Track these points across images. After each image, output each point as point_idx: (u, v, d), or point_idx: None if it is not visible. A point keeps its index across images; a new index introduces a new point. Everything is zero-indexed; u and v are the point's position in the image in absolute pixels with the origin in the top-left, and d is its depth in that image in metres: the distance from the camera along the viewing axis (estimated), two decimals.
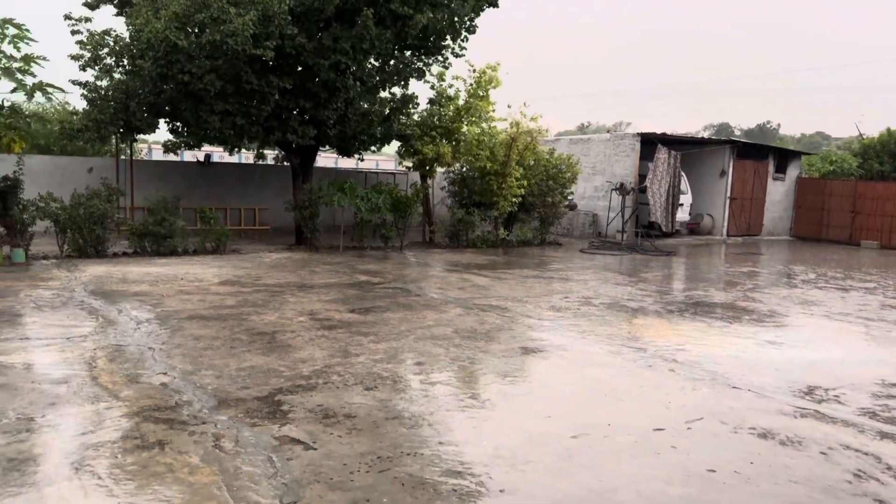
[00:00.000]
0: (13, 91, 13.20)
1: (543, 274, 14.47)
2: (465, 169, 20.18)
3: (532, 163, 20.43)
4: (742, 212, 26.43)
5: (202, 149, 19.79)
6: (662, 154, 21.90)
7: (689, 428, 5.44)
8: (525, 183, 19.72)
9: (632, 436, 5.21)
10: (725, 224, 25.85)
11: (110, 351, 7.08)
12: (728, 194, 25.77)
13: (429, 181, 20.65)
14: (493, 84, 19.60)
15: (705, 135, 75.50)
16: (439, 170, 21.16)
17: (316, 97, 17.24)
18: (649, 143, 23.07)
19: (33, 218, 13.90)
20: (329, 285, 11.88)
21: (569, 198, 21.49)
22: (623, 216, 21.93)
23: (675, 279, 15.15)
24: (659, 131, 23.61)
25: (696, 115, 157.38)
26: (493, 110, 20.05)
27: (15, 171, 14.01)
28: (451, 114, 19.84)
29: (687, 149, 24.59)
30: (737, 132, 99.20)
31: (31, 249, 13.88)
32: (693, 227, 25.80)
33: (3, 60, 13.10)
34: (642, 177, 22.67)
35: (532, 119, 19.94)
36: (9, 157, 14.38)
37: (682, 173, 23.37)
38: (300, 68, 17.12)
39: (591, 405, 5.98)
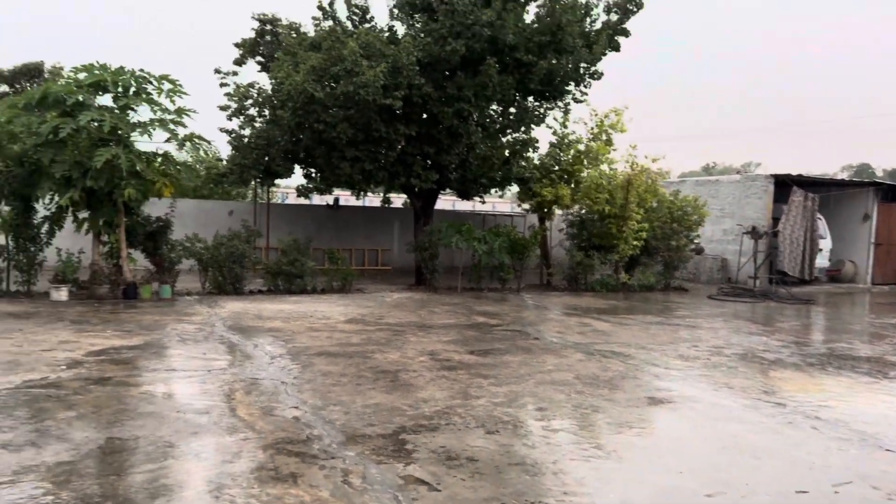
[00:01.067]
0: (166, 141, 14.46)
1: (669, 320, 13.96)
2: (583, 211, 19.97)
3: (654, 205, 19.93)
4: (889, 258, 24.42)
5: (332, 193, 20.81)
6: (798, 196, 20.72)
7: (836, 492, 5.02)
8: (647, 226, 19.24)
9: (772, 497, 4.87)
10: (870, 271, 23.97)
11: (247, 384, 7.48)
12: (872, 239, 23.93)
13: (547, 223, 20.60)
14: (617, 128, 19.45)
15: (844, 176, 70.78)
16: (558, 212, 21.06)
17: (439, 143, 17.76)
18: (783, 185, 21.92)
19: (180, 257, 15.09)
20: (448, 326, 12.01)
21: (695, 241, 20.71)
22: (755, 261, 20.83)
23: (815, 329, 14.15)
24: (794, 172, 22.41)
25: (831, 155, 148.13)
26: (613, 150, 19.84)
27: (166, 214, 15.28)
28: (570, 157, 19.81)
29: (825, 191, 23.15)
30: (878, 173, 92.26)
31: (177, 286, 15.03)
32: (833, 274, 24.10)
33: (159, 113, 14.38)
34: (776, 220, 21.52)
35: (653, 160, 19.57)
36: (160, 202, 15.71)
37: (821, 217, 21.99)
38: (425, 116, 17.73)
39: (726, 462, 5.66)
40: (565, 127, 19.82)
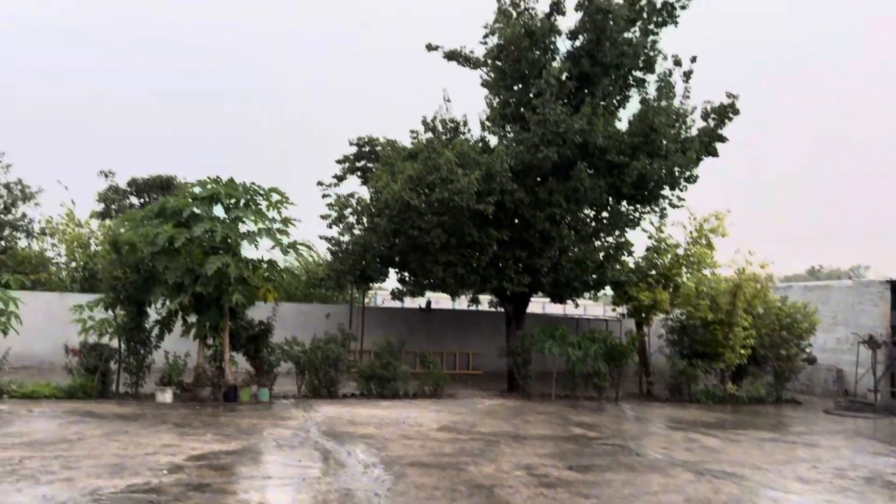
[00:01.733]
0: (272, 248, 15.14)
1: (784, 437, 12.94)
2: (684, 317, 19.23)
3: (762, 311, 18.98)
4: None
5: (424, 295, 21.04)
6: None
7: None
8: (754, 333, 18.27)
9: None
10: None
11: (340, 494, 7.36)
12: None
13: (645, 329, 19.93)
14: (718, 232, 18.97)
15: None
16: (656, 317, 20.37)
17: (531, 246, 17.82)
18: None
19: (279, 360, 15.46)
20: (544, 437, 11.57)
21: (807, 350, 19.45)
22: (875, 373, 19.26)
23: None
24: None
25: None
26: (715, 255, 19.24)
27: (268, 318, 15.81)
28: (667, 261, 19.35)
29: None
30: None
31: (274, 388, 15.31)
32: None
33: (267, 223, 15.15)
34: (895, 328, 19.99)
35: (760, 265, 18.80)
36: (264, 306, 16.30)
37: None
38: (517, 220, 17.92)
39: None
40: (661, 231, 19.52)
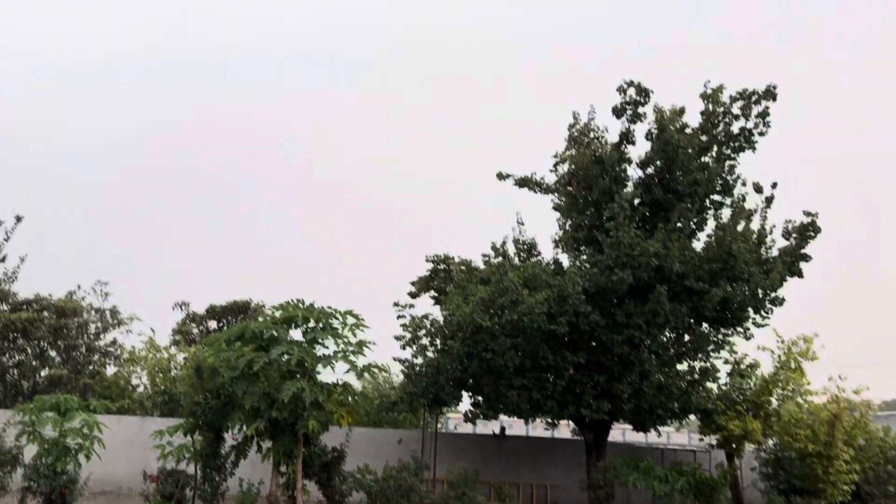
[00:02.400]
0: (347, 372, 15.18)
1: None
2: (779, 448, 17.95)
3: (863, 443, 17.55)
4: None
5: (498, 419, 20.46)
6: None
7: None
8: (857, 467, 16.82)
9: None
10: None
11: None
12: None
13: (736, 461, 18.67)
14: (807, 356, 18.01)
15: None
16: (748, 448, 19.08)
17: (609, 371, 17.28)
18: None
19: (350, 489, 15.08)
20: None
21: None
22: None
23: None
24: None
25: None
26: (809, 383, 18.15)
27: (341, 444, 15.60)
28: (756, 387, 18.36)
29: None
30: None
31: None
32: None
33: (342, 345, 15.28)
34: None
35: (855, 391, 17.57)
36: (337, 431, 16.15)
37: None
38: (593, 343, 17.52)
39: None
40: (745, 358, 18.70)
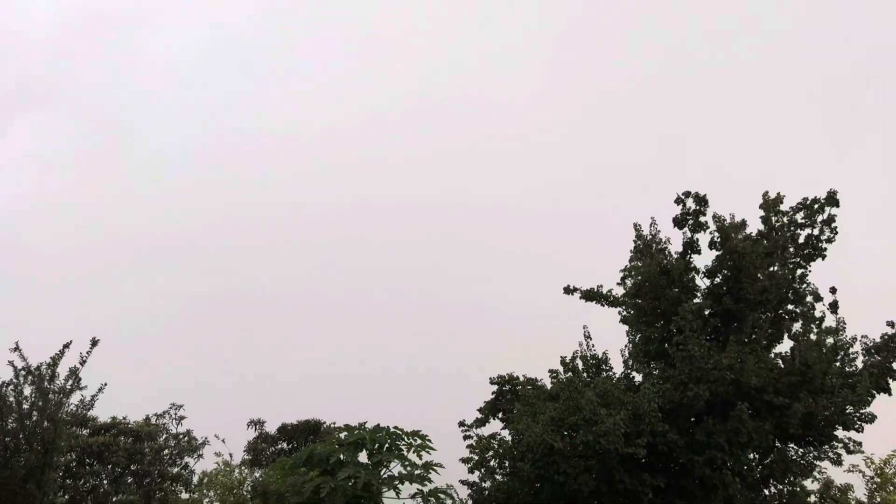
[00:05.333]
0: (413, 496, 14.75)
1: None
2: None
3: None
4: None
5: None
6: None
7: None
8: None
9: None
10: None
11: None
12: None
13: None
14: None
15: None
16: None
17: (691, 495, 16.24)
18: None
19: None
20: None
21: None
22: None
23: None
24: None
25: None
26: None
27: None
28: None
29: None
30: None
31: None
32: None
33: (409, 467, 14.97)
34: None
35: None
36: None
37: None
38: (672, 465, 16.60)
39: None
40: (834, 483, 17.35)
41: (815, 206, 17.93)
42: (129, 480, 27.58)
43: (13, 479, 14.10)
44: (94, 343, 15.64)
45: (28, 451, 14.31)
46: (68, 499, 26.45)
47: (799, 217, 18.10)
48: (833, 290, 17.67)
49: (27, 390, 14.77)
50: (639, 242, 19.00)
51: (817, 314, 17.74)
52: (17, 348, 14.99)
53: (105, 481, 27.19)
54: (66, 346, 15.39)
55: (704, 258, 18.66)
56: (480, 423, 20.85)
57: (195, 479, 29.00)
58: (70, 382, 15.17)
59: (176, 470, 28.83)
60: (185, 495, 28.27)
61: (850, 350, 17.23)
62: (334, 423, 29.98)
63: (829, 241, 17.93)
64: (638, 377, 18.70)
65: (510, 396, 20.82)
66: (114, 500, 26.59)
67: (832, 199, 17.84)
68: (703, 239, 18.50)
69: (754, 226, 18.48)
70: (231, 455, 29.71)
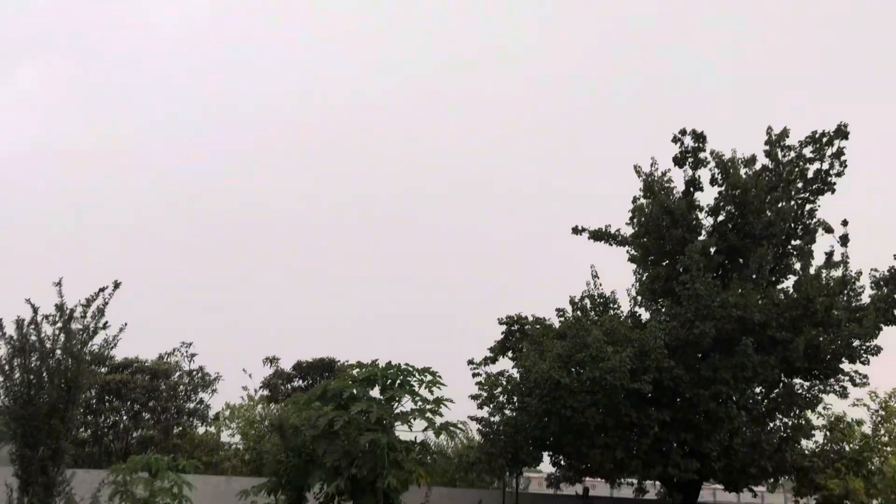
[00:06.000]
0: (425, 430, 15.17)
1: None
2: None
3: None
4: None
5: (582, 481, 19.87)
6: None
7: None
8: None
9: None
10: None
11: None
12: None
13: None
14: None
15: None
16: None
17: (697, 428, 16.62)
18: None
19: None
20: None
21: None
22: None
23: None
24: None
25: None
26: None
27: (421, 503, 15.47)
28: (856, 444, 17.26)
29: None
30: None
31: None
32: None
33: (420, 403, 15.34)
34: None
35: None
36: (416, 490, 16.04)
37: None
38: (678, 400, 16.94)
39: None
40: (844, 414, 17.69)
41: (824, 139, 17.71)
42: (147, 416, 28.43)
43: (37, 414, 14.50)
44: (117, 286, 15.81)
45: (51, 388, 14.67)
46: (90, 434, 27.35)
47: (807, 151, 17.90)
48: (845, 223, 17.57)
49: (48, 329, 15.04)
50: (642, 183, 18.90)
51: (825, 248, 17.71)
52: (59, 283, 15.20)
53: (125, 417, 28.07)
54: (102, 289, 15.53)
55: (708, 196, 18.64)
56: (490, 361, 21.24)
57: (211, 413, 29.87)
58: (95, 323, 15.45)
59: (192, 405, 29.66)
60: (202, 429, 29.16)
61: (857, 284, 17.27)
62: (347, 362, 30.59)
63: (839, 174, 17.78)
64: (645, 315, 18.91)
65: (518, 336, 21.13)
66: (134, 434, 27.48)
67: (841, 132, 17.59)
68: (705, 176, 18.45)
69: (762, 161, 18.33)
70: (256, 390, 30.55)
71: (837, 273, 17.21)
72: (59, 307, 15.17)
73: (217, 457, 25.95)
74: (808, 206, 17.91)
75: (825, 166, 17.84)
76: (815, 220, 17.94)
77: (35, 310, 14.99)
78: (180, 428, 28.62)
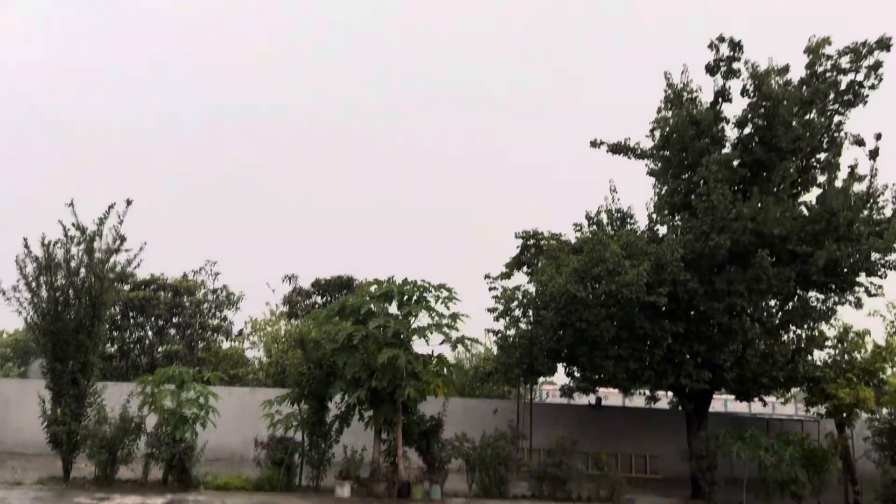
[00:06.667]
0: (441, 343, 15.52)
1: None
2: (894, 417, 16.99)
3: None
4: None
5: (596, 392, 20.34)
6: None
7: None
8: None
9: None
10: None
11: None
12: None
13: (847, 431, 17.79)
14: None
15: None
16: (860, 418, 18.14)
17: (710, 340, 16.79)
18: None
19: (449, 456, 15.49)
20: None
21: None
22: None
23: None
24: None
25: None
26: None
27: (438, 413, 16.01)
28: (867, 354, 17.39)
29: None
30: None
31: (445, 486, 15.26)
32: None
33: (436, 318, 15.61)
34: None
35: None
36: (434, 401, 16.55)
37: None
38: (692, 312, 17.04)
39: None
40: (852, 327, 17.72)
41: (864, 49, 17.03)
42: (172, 332, 29.22)
43: (65, 330, 14.97)
44: (129, 203, 16.00)
45: (77, 304, 15.07)
46: (117, 349, 28.24)
47: (844, 62, 17.26)
48: (878, 137, 17.07)
49: (74, 249, 15.36)
50: (669, 92, 18.41)
51: (851, 161, 17.34)
52: (71, 204, 15.41)
53: (150, 333, 28.87)
54: (111, 206, 15.77)
55: (736, 108, 18.19)
56: (505, 276, 21.40)
57: (234, 330, 30.65)
58: (115, 242, 15.71)
59: (216, 322, 30.40)
60: (226, 345, 30.01)
61: (881, 198, 16.99)
62: (366, 279, 30.97)
63: (873, 87, 17.16)
64: (662, 229, 18.81)
65: (535, 251, 21.19)
66: (159, 349, 28.34)
67: (883, 44, 16.88)
68: (736, 87, 17.93)
69: (796, 75, 17.75)
70: (277, 305, 31.18)
71: (862, 186, 16.88)
72: (78, 227, 15.40)
73: (241, 370, 26.78)
74: (836, 119, 17.39)
75: (860, 77, 17.22)
76: (841, 133, 17.47)
77: (65, 230, 15.28)
78: (204, 343, 29.45)
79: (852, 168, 17.05)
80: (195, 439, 14.77)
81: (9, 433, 21.20)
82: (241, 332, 30.16)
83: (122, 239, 15.68)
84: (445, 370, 15.93)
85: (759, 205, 16.05)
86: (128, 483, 14.53)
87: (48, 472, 15.44)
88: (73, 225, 15.43)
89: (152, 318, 28.49)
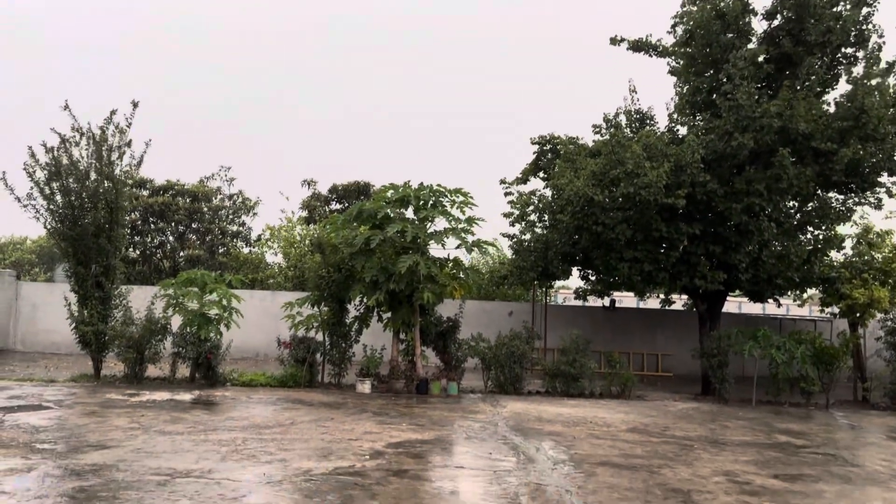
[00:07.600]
0: (457, 247, 15.63)
1: None
2: None
3: None
4: None
5: (610, 295, 20.57)
6: None
7: None
8: None
9: None
10: None
11: (531, 489, 7.42)
12: None
13: (860, 330, 17.98)
14: None
15: None
16: (873, 318, 18.28)
17: (726, 241, 16.75)
18: None
19: (465, 355, 15.93)
20: (745, 443, 10.85)
21: None
22: None
23: None
24: None
25: None
26: None
27: (455, 315, 16.33)
28: (886, 253, 17.31)
29: None
30: None
31: (462, 383, 15.78)
32: None
33: (452, 222, 15.66)
34: None
35: None
36: (451, 303, 16.85)
37: None
38: (710, 214, 16.92)
39: None
40: (873, 227, 17.52)
41: None
42: (192, 237, 29.65)
43: (85, 234, 15.18)
44: (135, 105, 15.83)
45: (94, 209, 15.21)
46: (139, 254, 28.80)
47: None
48: None
49: (77, 152, 15.28)
50: None
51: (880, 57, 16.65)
52: (66, 107, 15.25)
53: (170, 238, 29.32)
54: (114, 112, 15.63)
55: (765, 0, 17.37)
56: (521, 181, 21.24)
57: (253, 235, 31.03)
58: (119, 140, 15.63)
59: (234, 228, 30.77)
60: (245, 250, 30.48)
61: None
62: (381, 184, 30.92)
63: None
64: (682, 130, 18.42)
65: (551, 157, 20.91)
66: (181, 254, 28.86)
67: None
68: None
69: None
70: (293, 212, 31.41)
71: (891, 81, 16.26)
72: (78, 129, 15.28)
73: (262, 274, 27.27)
74: (864, 10, 16.57)
75: None
76: (870, 25, 16.70)
77: (62, 138, 15.18)
78: (225, 248, 29.91)
79: (890, 64, 16.38)
80: (220, 339, 15.23)
81: (40, 335, 22.05)
82: (259, 238, 30.56)
83: (128, 143, 15.60)
84: (462, 273, 16.11)
85: (786, 101, 15.56)
86: (156, 380, 15.14)
87: (80, 370, 16.13)
88: (73, 128, 15.32)
89: (172, 224, 28.86)
